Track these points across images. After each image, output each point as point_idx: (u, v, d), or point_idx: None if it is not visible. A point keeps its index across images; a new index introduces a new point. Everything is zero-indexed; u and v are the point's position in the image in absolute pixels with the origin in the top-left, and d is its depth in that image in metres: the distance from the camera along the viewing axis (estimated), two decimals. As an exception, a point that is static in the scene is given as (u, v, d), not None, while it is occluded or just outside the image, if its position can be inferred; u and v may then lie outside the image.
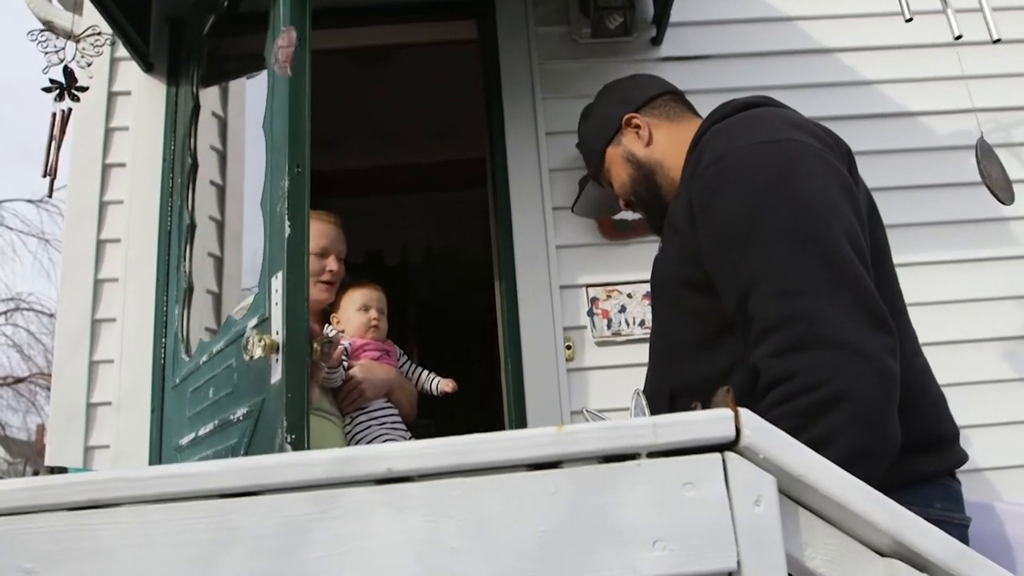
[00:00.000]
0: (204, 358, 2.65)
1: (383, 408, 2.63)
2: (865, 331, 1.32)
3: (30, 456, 16.97)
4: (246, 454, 2.18)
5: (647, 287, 3.35)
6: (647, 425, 0.88)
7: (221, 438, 2.41)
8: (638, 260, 3.38)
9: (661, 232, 1.88)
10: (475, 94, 3.74)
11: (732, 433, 0.88)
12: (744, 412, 0.88)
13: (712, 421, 0.88)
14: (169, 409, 3.01)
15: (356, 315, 2.71)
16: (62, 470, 0.89)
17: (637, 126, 1.81)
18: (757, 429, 0.88)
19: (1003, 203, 2.91)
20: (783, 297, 1.35)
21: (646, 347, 3.22)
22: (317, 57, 4.27)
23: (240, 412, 2.26)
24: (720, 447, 0.89)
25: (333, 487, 0.88)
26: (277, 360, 1.99)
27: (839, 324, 1.31)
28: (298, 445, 1.90)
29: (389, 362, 2.74)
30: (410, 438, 2.67)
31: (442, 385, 2.81)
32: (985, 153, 2.94)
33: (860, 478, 0.92)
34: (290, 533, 0.86)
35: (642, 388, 1.72)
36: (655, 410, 1.56)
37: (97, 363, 3.27)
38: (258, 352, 2.01)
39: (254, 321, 2.21)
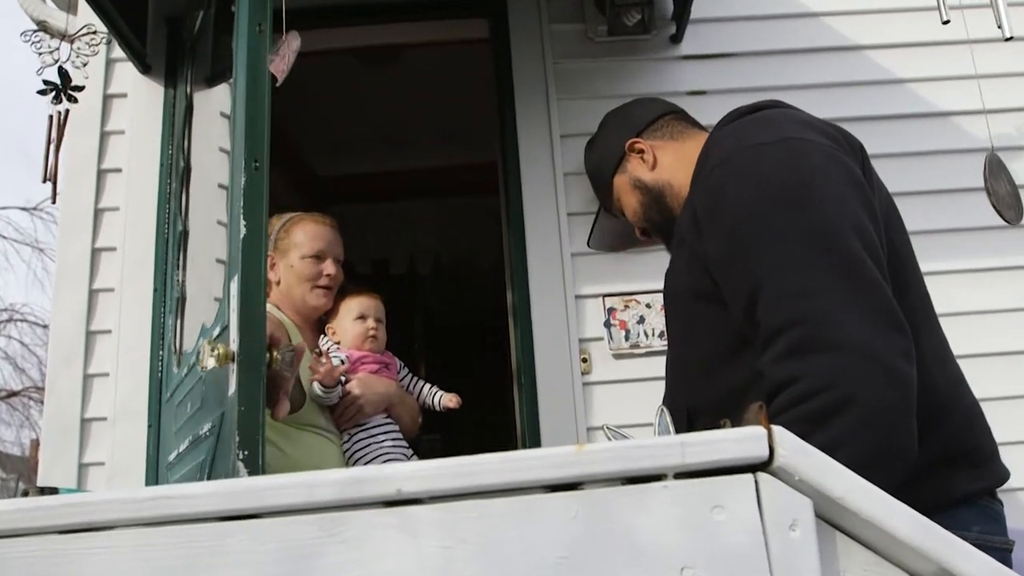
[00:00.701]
0: (185, 370, 2.64)
1: (383, 425, 2.60)
2: (875, 332, 1.30)
3: (24, 472, 17.03)
4: (210, 473, 2.16)
5: (666, 297, 3.35)
6: (674, 444, 0.86)
7: (194, 455, 2.39)
8: (657, 268, 3.31)
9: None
10: (486, 95, 3.74)
11: (765, 452, 0.86)
12: (778, 430, 0.86)
13: (744, 439, 0.86)
14: (164, 424, 3.01)
15: (353, 325, 2.68)
16: (53, 491, 0.88)
17: (641, 151, 1.83)
18: (792, 448, 0.86)
19: (1008, 222, 2.88)
20: (789, 298, 1.35)
21: (664, 359, 3.27)
22: (321, 57, 4.32)
23: (206, 427, 2.25)
24: (752, 467, 0.87)
25: (339, 510, 0.87)
26: (233, 371, 1.96)
27: (847, 325, 1.30)
28: (251, 463, 1.86)
29: (388, 375, 2.72)
30: (412, 456, 2.64)
31: (445, 400, 2.78)
32: (994, 169, 2.91)
33: (879, 483, 0.90)
34: (293, 558, 0.85)
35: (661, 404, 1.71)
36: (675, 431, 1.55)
37: (92, 376, 3.27)
38: (211, 363, 1.97)
39: (217, 330, 2.19)
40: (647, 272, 3.35)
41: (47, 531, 0.89)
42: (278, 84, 2.21)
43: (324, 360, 2.47)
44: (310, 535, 0.86)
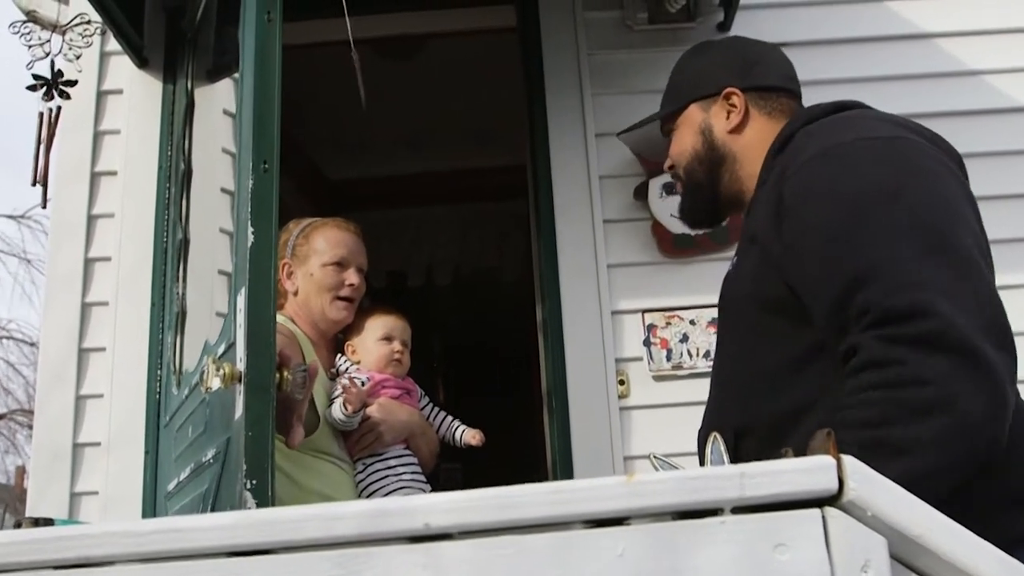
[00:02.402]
0: (187, 391, 2.66)
1: (401, 456, 2.60)
2: (994, 348, 1.31)
3: (10, 502, 17.17)
4: (214, 504, 2.16)
5: (714, 312, 3.32)
6: (733, 475, 0.85)
7: (196, 484, 2.39)
8: (702, 281, 3.35)
9: (694, 221, 1.92)
10: (515, 90, 3.75)
11: (834, 485, 0.85)
12: (849, 460, 0.85)
13: (810, 471, 0.85)
14: (163, 451, 3.03)
15: (376, 345, 2.69)
16: (48, 521, 0.89)
17: (733, 105, 1.80)
18: (864, 480, 0.85)
19: None
20: (910, 289, 1.33)
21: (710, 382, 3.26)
22: (334, 49, 4.34)
23: (210, 453, 2.24)
24: (819, 502, 0.86)
25: (360, 545, 0.87)
26: (240, 393, 1.96)
27: (969, 331, 1.30)
28: (260, 494, 1.86)
29: (411, 403, 2.72)
30: (430, 491, 2.64)
31: (467, 436, 2.77)
32: None
33: (926, 498, 0.90)
34: (309, 599, 0.85)
35: (700, 426, 1.71)
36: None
37: (84, 398, 3.29)
38: (215, 383, 1.97)
39: (222, 348, 2.19)
40: (692, 285, 3.34)
41: (41, 566, 0.90)
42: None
43: (349, 382, 2.47)
44: (328, 573, 0.86)
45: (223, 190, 3.32)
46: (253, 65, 2.15)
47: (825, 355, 1.46)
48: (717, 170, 1.79)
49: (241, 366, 1.96)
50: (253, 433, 1.89)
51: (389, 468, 2.56)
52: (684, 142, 1.84)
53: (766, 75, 1.82)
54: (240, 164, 2.19)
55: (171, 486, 2.74)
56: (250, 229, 2.01)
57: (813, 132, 1.59)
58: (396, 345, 2.68)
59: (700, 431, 1.72)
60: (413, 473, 2.60)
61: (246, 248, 2.01)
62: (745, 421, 1.57)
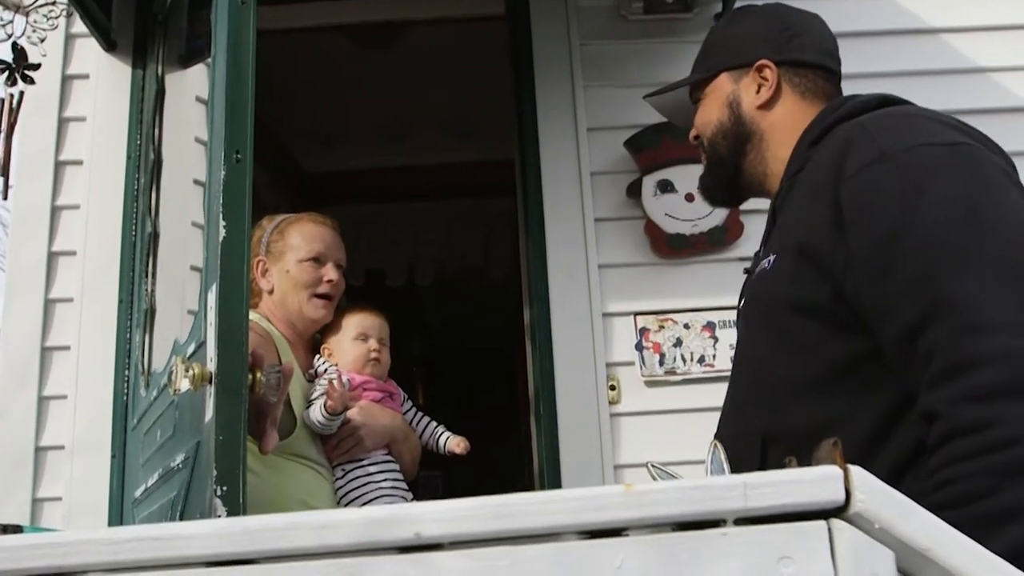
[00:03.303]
0: (155, 393, 2.65)
1: (382, 462, 2.60)
2: None
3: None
4: (183, 512, 2.16)
5: (707, 316, 3.36)
6: (736, 485, 0.86)
7: (164, 490, 2.39)
8: (697, 283, 3.37)
9: (713, 198, 1.91)
10: (502, 82, 3.76)
11: (841, 496, 0.85)
12: (855, 470, 0.86)
13: (816, 481, 0.86)
14: (130, 455, 3.02)
15: (352, 345, 2.68)
16: (17, 528, 0.88)
17: (764, 78, 1.77)
18: (872, 491, 0.86)
19: None
20: (987, 332, 1.30)
21: (705, 388, 3.28)
22: (308, 35, 4.34)
23: (179, 458, 2.24)
24: (826, 513, 0.86)
25: (350, 555, 0.87)
26: (210, 395, 1.95)
27: None
28: (230, 501, 1.86)
29: (392, 406, 2.72)
30: (412, 500, 2.64)
31: (451, 444, 2.76)
32: None
33: None
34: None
35: (716, 431, 1.68)
36: (739, 461, 1.52)
37: (48, 399, 3.29)
38: (184, 384, 1.96)
39: (192, 347, 2.18)
40: (686, 287, 3.36)
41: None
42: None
43: (330, 382, 2.46)
44: (312, 585, 0.86)
45: (195, 181, 3.31)
46: (226, 50, 2.14)
47: (865, 365, 1.44)
48: (742, 147, 1.77)
49: (211, 366, 1.95)
50: (224, 437, 1.89)
51: (369, 476, 2.56)
52: (710, 112, 1.82)
53: (805, 49, 1.79)
54: (211, 154, 2.18)
55: (138, 492, 2.74)
56: (222, 223, 2.01)
57: (866, 127, 1.54)
58: (372, 343, 2.68)
59: (717, 435, 1.69)
60: (395, 481, 2.60)
61: (217, 242, 2.00)
62: (775, 428, 1.55)
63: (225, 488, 1.87)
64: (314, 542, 0.85)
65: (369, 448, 2.57)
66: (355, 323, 2.69)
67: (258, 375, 2.01)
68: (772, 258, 1.62)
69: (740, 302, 1.79)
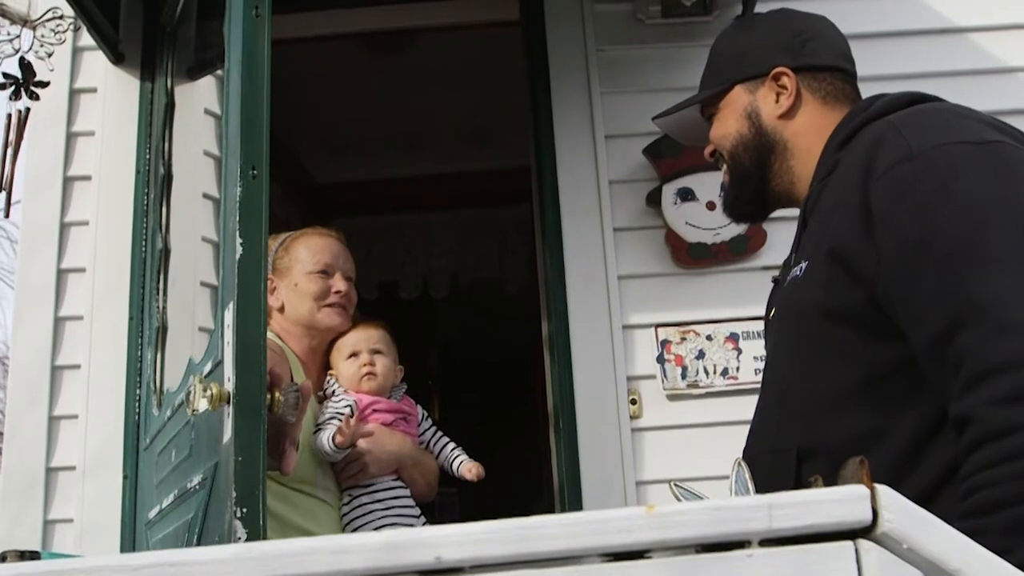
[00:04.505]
0: (169, 412, 2.67)
1: (391, 488, 2.59)
2: None
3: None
4: (200, 535, 2.16)
5: (730, 327, 3.36)
6: (760, 506, 0.86)
7: (180, 512, 2.40)
8: (719, 293, 3.37)
9: (739, 215, 1.87)
10: (517, 88, 3.77)
11: (868, 516, 0.86)
12: (883, 489, 0.87)
13: (843, 501, 0.86)
14: (143, 475, 3.03)
15: (345, 365, 2.65)
16: (34, 555, 0.89)
17: (783, 87, 1.75)
18: (900, 511, 0.86)
19: None
20: (1016, 334, 1.30)
21: (728, 401, 3.28)
22: (321, 44, 4.37)
23: (196, 479, 2.25)
24: (852, 533, 0.86)
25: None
26: (229, 415, 1.95)
27: None
28: (250, 523, 1.86)
29: (407, 429, 2.69)
30: (424, 523, 2.63)
31: (463, 469, 2.73)
32: None
33: None
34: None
35: (746, 447, 1.67)
36: (771, 477, 1.50)
37: (58, 419, 3.31)
38: (202, 404, 1.95)
39: (208, 366, 2.19)
40: (707, 298, 3.36)
41: (29, 602, 0.91)
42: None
43: (350, 420, 2.45)
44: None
45: (205, 196, 3.33)
46: (240, 64, 2.15)
47: (902, 374, 1.43)
48: (766, 159, 1.76)
49: (229, 386, 1.95)
50: (243, 458, 1.88)
51: (377, 501, 2.54)
52: (728, 126, 1.80)
53: (819, 52, 1.77)
54: (226, 170, 2.19)
55: (152, 514, 2.75)
56: (238, 240, 2.01)
57: (896, 125, 1.52)
58: (364, 358, 2.63)
59: (746, 450, 1.68)
60: (403, 507, 2.58)
61: (234, 260, 2.01)
62: (810, 442, 1.53)
63: (245, 510, 1.87)
64: (332, 567, 0.86)
65: (373, 474, 2.55)
66: (345, 344, 2.67)
67: (276, 394, 2.01)
68: (803, 265, 1.60)
69: (769, 313, 1.78)
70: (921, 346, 1.39)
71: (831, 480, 0.92)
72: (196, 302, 3.19)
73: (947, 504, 1.31)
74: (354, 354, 2.65)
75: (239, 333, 1.97)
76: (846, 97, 1.76)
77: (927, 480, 1.38)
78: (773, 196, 1.79)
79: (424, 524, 2.64)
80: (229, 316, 2.02)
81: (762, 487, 1.50)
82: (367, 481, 2.55)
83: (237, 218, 2.03)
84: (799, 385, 1.59)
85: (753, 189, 1.79)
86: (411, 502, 2.62)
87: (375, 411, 2.63)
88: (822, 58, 1.77)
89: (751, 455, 1.64)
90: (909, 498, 1.29)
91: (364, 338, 2.68)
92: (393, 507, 2.56)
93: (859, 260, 1.46)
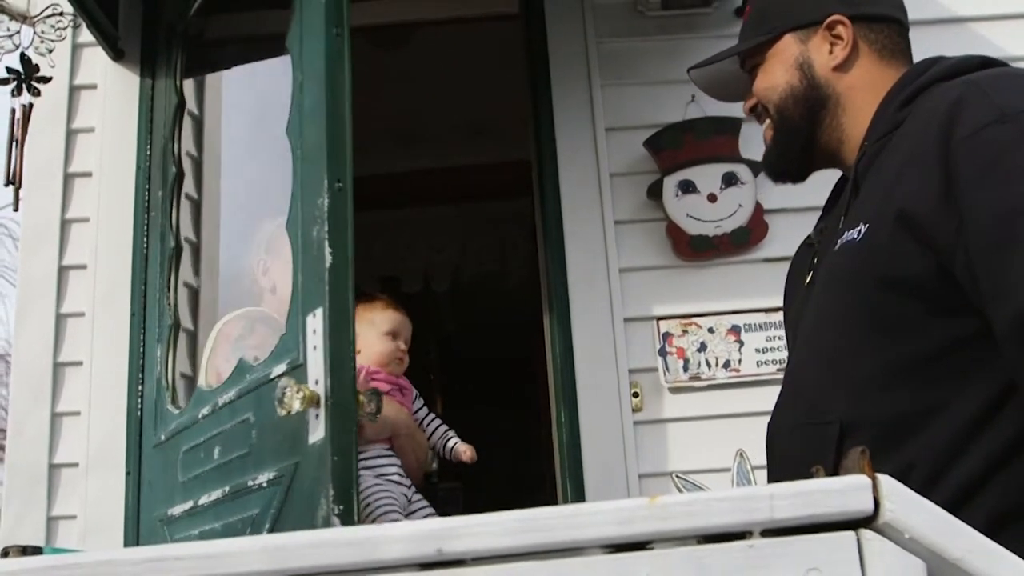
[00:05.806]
0: (206, 410, 2.68)
1: (383, 456, 2.61)
2: None
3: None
4: (273, 528, 2.22)
5: (732, 319, 3.35)
6: (762, 496, 0.86)
7: (234, 508, 2.44)
8: (721, 285, 3.37)
9: (780, 172, 1.77)
10: (517, 82, 3.76)
11: (870, 506, 0.86)
12: (884, 479, 0.86)
13: (844, 491, 0.86)
14: (150, 472, 3.04)
15: (380, 341, 2.70)
16: (36, 550, 0.89)
17: (838, 37, 1.65)
18: (902, 501, 0.86)
19: None
20: None
21: (730, 394, 3.27)
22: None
23: (263, 477, 2.31)
24: (854, 523, 0.86)
25: (367, 573, 0.88)
26: (317, 416, 2.06)
27: None
28: (347, 518, 1.95)
29: (402, 401, 2.73)
30: (415, 494, 2.65)
31: (458, 450, 2.75)
32: None
33: None
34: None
35: (773, 419, 1.61)
36: (803, 447, 1.47)
37: (61, 415, 3.32)
38: (297, 405, 2.06)
39: (282, 368, 2.26)
40: (709, 290, 3.36)
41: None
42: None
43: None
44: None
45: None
46: (324, 82, 2.25)
47: (966, 349, 1.37)
48: (817, 113, 1.65)
49: (319, 389, 2.07)
50: (339, 458, 2.01)
51: (366, 468, 2.55)
52: (775, 77, 1.69)
53: (878, 1, 1.68)
54: (305, 182, 2.30)
55: (175, 510, 2.78)
56: (327, 249, 2.13)
57: (978, 86, 1.43)
58: (401, 343, 2.71)
59: (774, 423, 1.62)
60: (396, 475, 2.60)
61: (324, 268, 2.12)
62: (855, 415, 1.44)
63: (342, 507, 1.99)
64: (332, 560, 0.86)
65: (369, 438, 2.58)
66: (388, 319, 2.72)
67: (361, 398, 2.15)
68: (862, 228, 1.48)
69: (807, 277, 1.66)
70: (1004, 321, 1.30)
71: (832, 471, 0.92)
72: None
73: (1004, 485, 1.29)
74: (393, 335, 2.70)
75: (332, 339, 2.09)
76: (901, 53, 1.68)
77: (982, 460, 1.33)
78: (819, 153, 1.69)
79: (418, 498, 2.67)
80: (315, 322, 2.12)
81: (796, 459, 1.46)
82: (360, 448, 2.57)
83: (326, 228, 2.15)
84: (846, 356, 1.50)
85: (800, 147, 1.69)
86: (402, 472, 2.63)
87: (373, 379, 2.66)
88: (881, 7, 1.68)
89: (782, 426, 1.59)
90: (963, 478, 1.32)
91: (407, 326, 2.78)
92: (387, 474, 2.58)
93: (933, 226, 1.38)
